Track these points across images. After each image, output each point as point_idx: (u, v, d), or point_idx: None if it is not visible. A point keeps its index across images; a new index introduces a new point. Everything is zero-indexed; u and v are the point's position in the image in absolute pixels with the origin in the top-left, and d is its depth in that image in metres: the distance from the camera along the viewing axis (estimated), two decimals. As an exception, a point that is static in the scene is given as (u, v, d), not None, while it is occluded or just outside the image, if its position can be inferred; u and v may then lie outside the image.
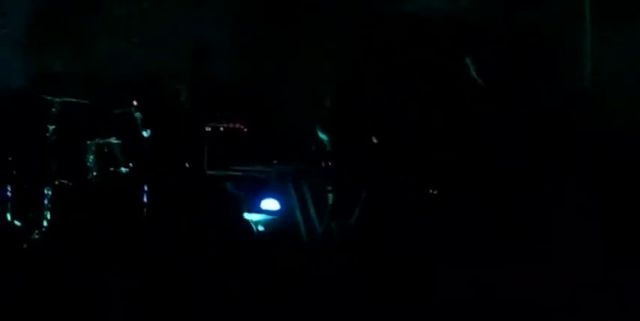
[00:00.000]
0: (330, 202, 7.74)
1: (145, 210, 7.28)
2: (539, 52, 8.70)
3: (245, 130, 8.15)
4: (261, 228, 7.38)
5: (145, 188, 7.32)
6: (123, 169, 7.39)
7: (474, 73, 8.00)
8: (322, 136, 7.97)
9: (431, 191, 7.62)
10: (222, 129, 8.03)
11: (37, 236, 6.88)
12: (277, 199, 7.76)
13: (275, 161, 8.21)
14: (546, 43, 8.76)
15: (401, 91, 8.28)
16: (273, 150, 8.27)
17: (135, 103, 7.47)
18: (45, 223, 6.99)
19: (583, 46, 8.69)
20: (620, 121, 8.14)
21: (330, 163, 7.99)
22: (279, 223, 7.58)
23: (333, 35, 8.63)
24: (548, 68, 8.56)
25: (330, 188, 7.80)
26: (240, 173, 7.94)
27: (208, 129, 7.94)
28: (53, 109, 7.31)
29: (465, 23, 8.51)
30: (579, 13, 8.76)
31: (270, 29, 8.73)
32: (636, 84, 8.30)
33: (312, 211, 7.69)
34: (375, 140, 8.02)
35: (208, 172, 7.93)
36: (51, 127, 7.28)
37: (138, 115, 7.52)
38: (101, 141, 7.39)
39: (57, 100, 7.32)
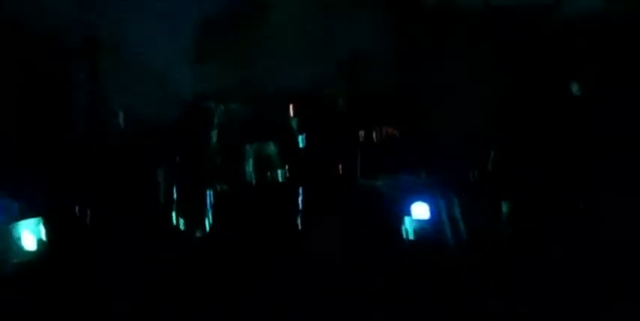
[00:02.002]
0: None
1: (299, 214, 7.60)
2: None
3: (398, 136, 8.31)
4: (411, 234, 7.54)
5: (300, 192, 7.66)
6: (279, 173, 7.75)
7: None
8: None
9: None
10: (375, 136, 8.21)
11: (199, 237, 7.31)
12: (427, 204, 7.88)
13: (424, 173, 8.33)
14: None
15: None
16: (425, 159, 8.39)
17: (292, 108, 7.82)
18: (208, 226, 7.44)
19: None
20: None
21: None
22: (428, 228, 7.70)
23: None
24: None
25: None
26: (390, 183, 8.10)
27: (362, 135, 8.15)
28: (215, 116, 7.76)
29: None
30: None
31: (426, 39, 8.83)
32: None
33: (459, 219, 7.78)
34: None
35: (360, 181, 8.14)
36: (213, 133, 7.75)
37: (295, 120, 7.86)
38: (259, 146, 7.77)
39: (220, 106, 7.77)
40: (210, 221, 7.44)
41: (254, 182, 7.69)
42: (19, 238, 6.89)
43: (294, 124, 7.91)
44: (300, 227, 7.61)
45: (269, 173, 7.76)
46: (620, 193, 7.63)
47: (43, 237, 6.97)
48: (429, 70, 8.77)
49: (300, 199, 7.67)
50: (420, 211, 7.78)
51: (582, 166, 8.03)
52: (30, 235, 6.92)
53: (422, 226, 7.65)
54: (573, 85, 8.33)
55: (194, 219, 7.59)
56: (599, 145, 7.99)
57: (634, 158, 7.79)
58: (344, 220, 7.60)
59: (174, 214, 7.56)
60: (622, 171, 7.75)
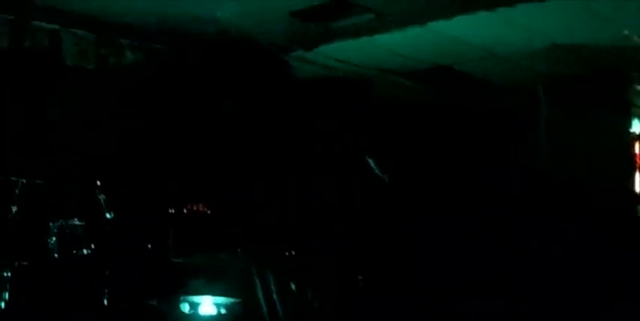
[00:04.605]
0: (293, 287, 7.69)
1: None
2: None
3: (209, 213, 8.15)
4: (223, 311, 7.27)
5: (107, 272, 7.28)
6: (85, 251, 7.34)
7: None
8: None
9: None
10: (186, 212, 8.02)
11: None
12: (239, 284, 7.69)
13: (239, 249, 8.19)
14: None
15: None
16: (238, 235, 8.25)
17: (98, 183, 7.49)
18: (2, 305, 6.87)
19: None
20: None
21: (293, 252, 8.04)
22: (242, 306, 7.47)
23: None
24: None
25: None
26: (204, 261, 7.89)
27: (172, 211, 7.94)
28: (16, 190, 7.30)
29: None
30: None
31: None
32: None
33: (275, 296, 7.62)
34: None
35: (172, 259, 7.88)
36: (14, 208, 7.26)
37: (102, 196, 7.53)
38: (64, 222, 7.36)
39: (21, 180, 7.33)
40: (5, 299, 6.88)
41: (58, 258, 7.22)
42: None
43: (102, 200, 7.56)
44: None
45: (73, 251, 7.33)
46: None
47: None
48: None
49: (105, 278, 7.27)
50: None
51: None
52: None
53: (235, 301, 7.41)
54: None
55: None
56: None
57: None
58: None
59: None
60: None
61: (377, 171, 8.25)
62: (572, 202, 8.64)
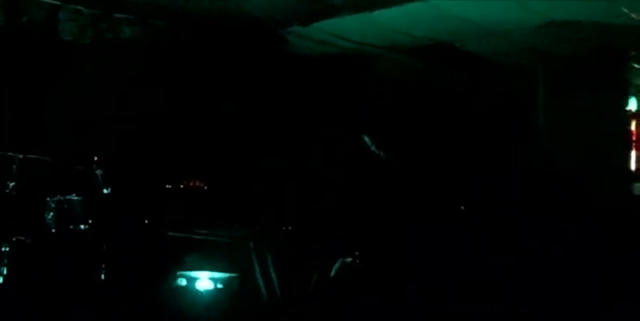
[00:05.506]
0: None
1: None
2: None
3: (206, 189, 8.18)
4: (220, 285, 7.31)
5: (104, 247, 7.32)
6: (82, 227, 7.38)
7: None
8: None
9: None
10: (184, 187, 8.04)
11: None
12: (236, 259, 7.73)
13: (236, 225, 8.22)
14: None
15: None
16: (235, 211, 8.28)
17: (96, 159, 7.51)
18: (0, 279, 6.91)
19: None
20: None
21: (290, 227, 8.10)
22: (239, 282, 7.50)
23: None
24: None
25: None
26: (202, 236, 7.92)
27: (169, 187, 7.96)
28: (14, 166, 7.32)
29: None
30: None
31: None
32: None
33: (272, 271, 7.65)
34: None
35: (170, 234, 7.91)
36: (11, 184, 7.28)
37: (99, 172, 7.55)
38: (62, 197, 7.38)
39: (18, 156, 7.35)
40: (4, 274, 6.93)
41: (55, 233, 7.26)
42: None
43: (99, 175, 7.58)
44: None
45: (70, 226, 7.36)
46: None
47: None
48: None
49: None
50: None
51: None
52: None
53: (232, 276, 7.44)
54: None
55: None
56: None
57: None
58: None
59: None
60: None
61: (373, 147, 8.27)
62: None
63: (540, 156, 9.35)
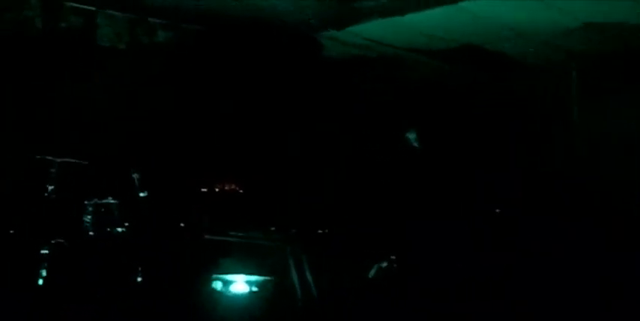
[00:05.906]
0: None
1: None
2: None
3: (242, 192, 8.23)
4: (255, 289, 7.35)
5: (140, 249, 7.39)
6: (119, 229, 7.46)
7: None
8: None
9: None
10: (219, 190, 8.09)
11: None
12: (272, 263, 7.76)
13: (273, 228, 8.25)
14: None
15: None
16: (272, 213, 8.32)
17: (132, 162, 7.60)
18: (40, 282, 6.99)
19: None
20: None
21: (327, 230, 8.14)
22: (274, 285, 7.53)
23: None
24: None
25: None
26: (238, 239, 7.96)
27: (205, 190, 8.02)
28: (52, 170, 7.42)
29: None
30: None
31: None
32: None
33: (308, 274, 7.68)
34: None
35: (205, 237, 7.95)
36: (50, 187, 7.38)
37: (136, 175, 7.63)
38: (99, 201, 7.48)
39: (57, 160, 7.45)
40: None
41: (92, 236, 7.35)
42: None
43: (135, 179, 7.66)
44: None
45: (107, 229, 7.45)
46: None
47: None
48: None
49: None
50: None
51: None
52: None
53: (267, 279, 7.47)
54: None
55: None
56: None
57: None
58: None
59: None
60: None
61: (416, 143, 8.27)
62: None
63: (574, 157, 9.32)
